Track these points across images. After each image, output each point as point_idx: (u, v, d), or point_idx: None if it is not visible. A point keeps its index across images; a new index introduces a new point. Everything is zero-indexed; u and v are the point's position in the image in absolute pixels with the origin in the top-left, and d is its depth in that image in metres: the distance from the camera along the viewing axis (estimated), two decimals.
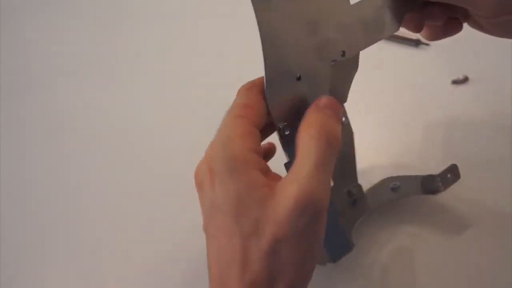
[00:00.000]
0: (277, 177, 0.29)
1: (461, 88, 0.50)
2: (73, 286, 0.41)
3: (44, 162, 0.51)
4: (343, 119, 0.38)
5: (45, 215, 0.47)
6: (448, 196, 0.38)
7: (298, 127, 0.29)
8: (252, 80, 0.30)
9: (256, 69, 0.30)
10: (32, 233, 0.45)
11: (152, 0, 0.67)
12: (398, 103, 0.49)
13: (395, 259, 0.39)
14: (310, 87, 0.30)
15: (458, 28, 0.35)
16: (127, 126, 0.53)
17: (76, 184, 0.49)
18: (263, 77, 0.29)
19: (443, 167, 0.39)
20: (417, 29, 0.35)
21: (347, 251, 0.36)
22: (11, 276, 0.42)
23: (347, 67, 0.32)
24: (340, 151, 0.36)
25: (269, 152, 0.36)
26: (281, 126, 0.29)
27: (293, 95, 0.30)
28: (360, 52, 0.32)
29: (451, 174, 0.38)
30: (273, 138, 0.32)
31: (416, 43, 0.55)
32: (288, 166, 0.31)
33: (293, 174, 0.26)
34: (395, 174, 0.42)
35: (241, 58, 0.47)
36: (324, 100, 0.29)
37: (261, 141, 0.30)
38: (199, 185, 0.29)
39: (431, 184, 0.38)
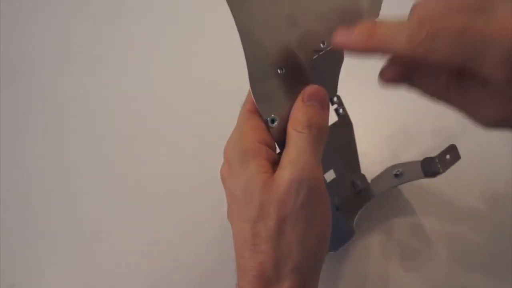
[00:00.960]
0: None
1: None
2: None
3: (43, 156, 0.52)
4: (340, 110, 0.38)
5: (44, 212, 0.48)
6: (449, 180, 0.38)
7: (287, 117, 0.31)
8: None
9: None
10: (30, 228, 0.47)
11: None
12: (389, 90, 0.49)
13: (394, 248, 0.39)
14: (294, 79, 0.31)
15: None
16: (126, 121, 0.54)
17: (74, 181, 0.50)
18: None
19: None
20: None
21: (348, 239, 0.36)
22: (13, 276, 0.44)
23: (331, 58, 0.33)
24: (341, 143, 0.37)
25: None
26: (268, 119, 0.30)
27: (278, 87, 0.31)
28: None
29: (450, 155, 0.37)
30: None
31: None
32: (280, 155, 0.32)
33: (285, 159, 0.29)
34: (395, 162, 0.42)
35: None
36: (308, 89, 0.31)
37: None
38: (223, 180, 0.32)
39: (430, 167, 0.38)
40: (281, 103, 0.31)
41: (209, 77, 0.55)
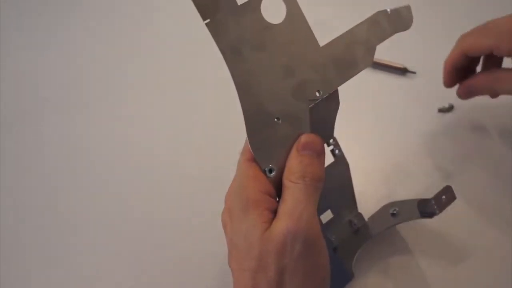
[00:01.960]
0: None
1: (447, 116, 0.51)
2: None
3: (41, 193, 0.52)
4: (337, 151, 0.39)
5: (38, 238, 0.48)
6: (445, 219, 0.39)
7: (284, 166, 0.31)
8: None
9: None
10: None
11: (149, 26, 0.70)
12: (385, 130, 0.50)
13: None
14: (291, 128, 0.31)
15: None
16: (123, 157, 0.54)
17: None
18: None
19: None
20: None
21: (347, 281, 0.36)
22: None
23: (327, 105, 0.33)
24: (338, 183, 0.38)
25: None
26: (266, 169, 0.31)
27: (274, 137, 0.31)
28: (348, 80, 0.33)
29: (446, 196, 0.38)
30: None
31: (403, 71, 0.55)
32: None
33: (281, 210, 0.29)
34: (391, 200, 0.43)
35: None
36: (303, 139, 0.31)
37: None
38: (224, 226, 0.32)
39: (427, 208, 0.38)
40: (278, 152, 0.31)
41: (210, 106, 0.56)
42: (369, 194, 0.45)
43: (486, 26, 0.40)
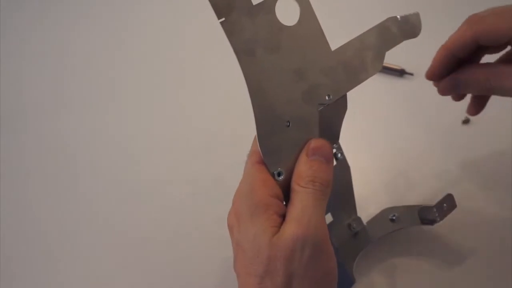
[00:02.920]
0: None
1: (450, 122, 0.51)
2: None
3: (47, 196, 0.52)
4: (339, 155, 0.39)
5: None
6: (446, 225, 0.39)
7: (292, 170, 0.31)
8: None
9: None
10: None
11: (154, 30, 0.69)
12: (382, 133, 0.50)
13: None
14: (300, 132, 0.31)
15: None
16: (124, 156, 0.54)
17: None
18: None
19: (438, 195, 0.40)
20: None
21: (349, 286, 0.36)
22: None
23: (335, 109, 0.33)
24: (338, 186, 0.38)
25: None
26: (275, 172, 0.30)
27: (284, 141, 0.30)
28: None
29: (447, 204, 0.38)
30: None
31: (401, 72, 0.55)
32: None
33: (290, 215, 0.29)
34: (390, 204, 0.43)
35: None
36: (313, 143, 0.31)
37: None
38: (230, 229, 0.32)
39: (428, 215, 0.39)
40: (287, 156, 0.31)
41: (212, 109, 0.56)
42: (369, 198, 0.45)
43: (507, 9, 0.34)
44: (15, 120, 0.59)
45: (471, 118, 0.50)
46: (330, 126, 0.34)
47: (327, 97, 0.32)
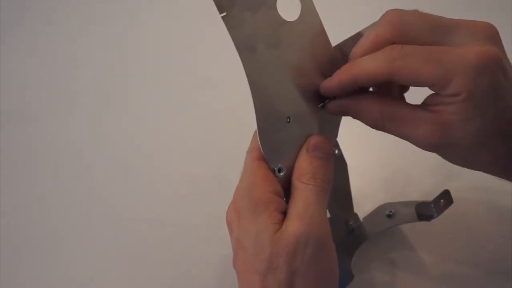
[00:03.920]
0: None
1: None
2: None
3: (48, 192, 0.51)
4: (336, 151, 0.39)
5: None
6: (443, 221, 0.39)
7: (293, 167, 0.31)
8: None
9: None
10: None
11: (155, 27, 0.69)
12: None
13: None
14: (300, 128, 0.31)
15: None
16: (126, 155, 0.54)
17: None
18: None
19: (434, 191, 0.40)
20: None
21: (347, 283, 0.37)
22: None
23: None
24: (335, 183, 0.38)
25: None
26: (275, 168, 0.30)
27: (284, 137, 0.30)
28: None
29: (444, 199, 0.38)
30: None
31: None
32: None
33: (292, 211, 0.29)
34: (386, 200, 0.43)
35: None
36: (313, 140, 0.31)
37: None
38: (229, 225, 0.31)
39: (425, 211, 0.39)
40: (287, 153, 0.31)
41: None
42: (366, 195, 0.45)
43: (437, 52, 0.26)
44: (17, 118, 0.59)
45: None
46: (329, 124, 0.34)
47: None
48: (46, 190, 0.51)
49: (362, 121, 0.30)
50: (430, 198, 0.39)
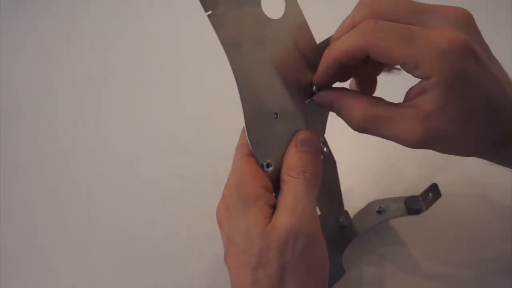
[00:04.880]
0: None
1: None
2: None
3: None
4: (325, 149, 0.39)
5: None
6: (431, 214, 0.40)
7: (281, 162, 0.31)
8: None
9: None
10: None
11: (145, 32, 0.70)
12: None
13: (384, 283, 0.40)
14: (288, 124, 0.31)
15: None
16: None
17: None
18: None
19: (423, 186, 0.40)
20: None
21: (338, 278, 0.37)
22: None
23: None
24: (325, 181, 0.38)
25: None
26: (264, 164, 0.31)
27: (272, 133, 0.31)
28: None
29: (432, 193, 0.39)
30: None
31: (389, 68, 0.56)
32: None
33: (282, 205, 0.29)
34: (377, 197, 0.43)
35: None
36: (301, 135, 0.31)
37: None
38: (219, 222, 0.31)
39: (414, 205, 0.39)
40: (275, 148, 0.31)
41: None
42: (356, 191, 0.45)
43: (410, 31, 0.26)
44: (11, 118, 0.59)
45: None
46: (316, 120, 0.34)
47: (313, 90, 0.32)
48: (34, 190, 0.51)
49: (346, 121, 0.30)
50: (420, 192, 0.40)
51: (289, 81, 0.31)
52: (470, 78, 0.26)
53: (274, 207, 0.30)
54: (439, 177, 0.43)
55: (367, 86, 0.33)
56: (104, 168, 0.52)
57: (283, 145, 0.31)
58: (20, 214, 0.49)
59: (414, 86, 0.28)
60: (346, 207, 0.42)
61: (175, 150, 0.52)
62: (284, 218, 0.28)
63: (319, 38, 0.32)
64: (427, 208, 0.39)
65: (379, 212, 0.42)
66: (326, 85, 0.32)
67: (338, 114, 0.31)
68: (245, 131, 0.30)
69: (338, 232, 0.41)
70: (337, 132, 0.38)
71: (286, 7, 0.31)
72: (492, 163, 0.33)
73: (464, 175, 0.46)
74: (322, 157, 0.38)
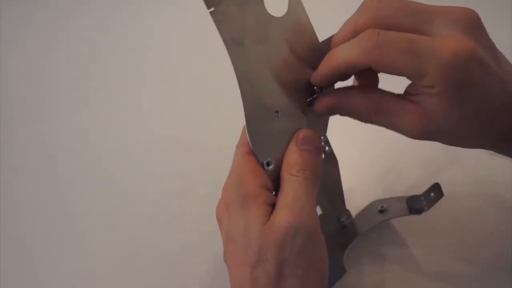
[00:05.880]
0: None
1: None
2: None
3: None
4: (326, 148, 0.39)
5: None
6: (433, 214, 0.40)
7: (281, 160, 0.31)
8: None
9: None
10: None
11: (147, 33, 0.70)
12: (373, 126, 0.51)
13: (385, 283, 0.40)
14: (289, 122, 0.31)
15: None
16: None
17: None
18: None
19: (425, 185, 0.40)
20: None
21: (339, 277, 0.37)
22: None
23: None
24: (326, 180, 0.38)
25: None
26: (264, 162, 0.30)
27: (273, 131, 0.31)
28: None
29: (434, 192, 0.39)
30: None
31: None
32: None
33: (281, 203, 0.29)
34: (378, 196, 0.43)
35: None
36: (302, 133, 0.31)
37: None
38: (219, 220, 0.31)
39: (416, 204, 0.39)
40: (276, 146, 0.31)
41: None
42: (358, 191, 0.45)
43: (414, 43, 0.26)
44: (11, 118, 0.59)
45: None
46: (317, 119, 0.34)
47: (315, 88, 0.32)
48: (34, 190, 0.50)
49: (349, 116, 0.31)
50: (422, 192, 0.40)
51: (290, 79, 0.31)
52: (474, 85, 0.26)
53: (273, 206, 0.29)
54: (441, 176, 0.43)
55: (369, 80, 0.33)
56: (104, 168, 0.52)
57: (284, 143, 0.31)
58: (20, 214, 0.48)
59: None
60: (347, 206, 0.42)
61: (175, 150, 0.52)
62: (283, 216, 0.28)
63: (321, 36, 0.32)
64: (429, 207, 0.38)
65: (381, 211, 0.41)
66: (326, 86, 0.32)
67: (342, 115, 0.31)
68: (246, 129, 0.30)
69: (340, 231, 0.41)
70: (339, 132, 0.38)
71: (289, 5, 0.31)
72: (493, 152, 0.33)
73: (467, 175, 0.45)
74: (324, 156, 0.38)
